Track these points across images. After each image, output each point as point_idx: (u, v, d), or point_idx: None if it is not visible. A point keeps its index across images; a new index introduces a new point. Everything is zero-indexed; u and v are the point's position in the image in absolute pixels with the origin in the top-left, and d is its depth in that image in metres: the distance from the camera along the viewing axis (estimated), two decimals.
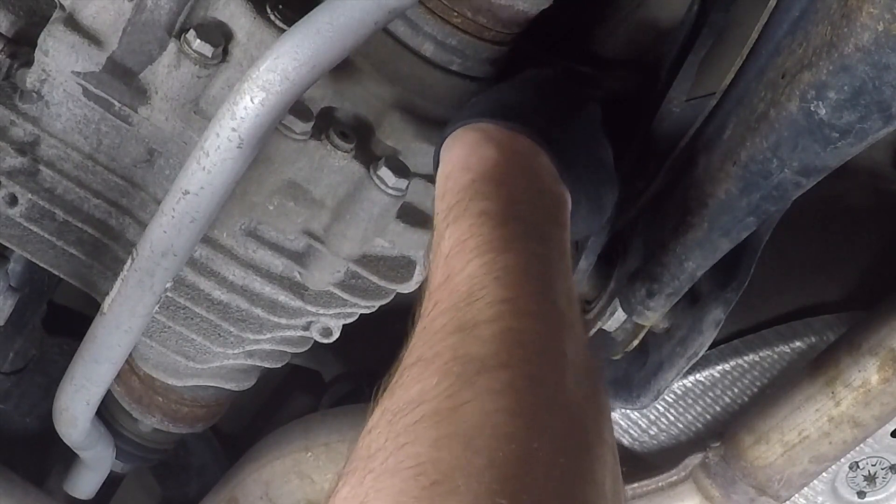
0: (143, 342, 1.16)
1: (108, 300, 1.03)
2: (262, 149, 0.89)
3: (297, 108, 0.91)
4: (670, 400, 1.21)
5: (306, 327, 1.14)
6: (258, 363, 1.21)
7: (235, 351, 1.15)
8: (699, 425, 1.22)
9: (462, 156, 0.81)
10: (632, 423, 1.23)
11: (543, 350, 0.64)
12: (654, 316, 0.96)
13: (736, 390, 1.19)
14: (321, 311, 1.10)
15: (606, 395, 0.68)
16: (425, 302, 0.70)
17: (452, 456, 0.55)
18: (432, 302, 0.68)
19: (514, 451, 0.56)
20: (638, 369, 1.02)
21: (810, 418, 1.10)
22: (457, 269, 0.69)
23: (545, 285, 0.69)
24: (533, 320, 0.65)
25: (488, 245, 0.70)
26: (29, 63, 0.98)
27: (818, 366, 1.11)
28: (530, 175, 0.80)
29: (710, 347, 0.97)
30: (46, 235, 1.09)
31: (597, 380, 0.67)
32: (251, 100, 0.85)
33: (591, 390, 0.65)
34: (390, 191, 0.97)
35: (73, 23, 0.93)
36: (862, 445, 1.15)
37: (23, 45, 0.98)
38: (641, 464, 1.23)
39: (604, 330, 1.02)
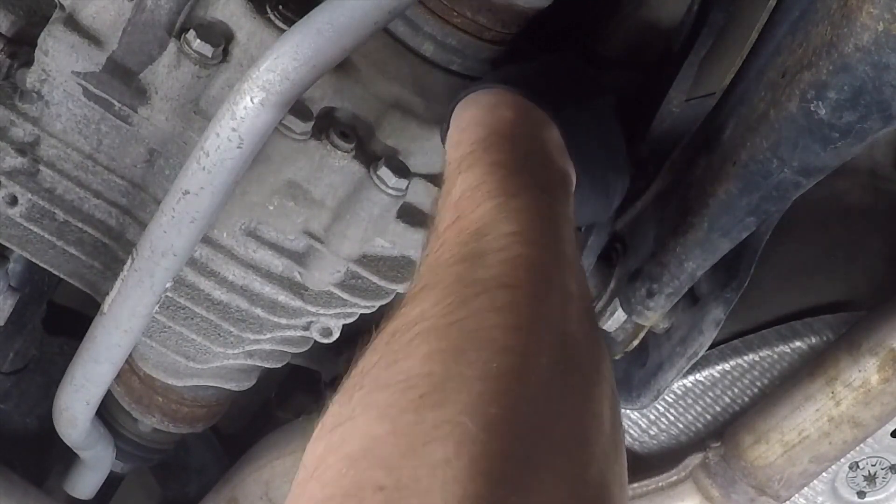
0: (143, 342, 1.16)
1: (108, 300, 1.03)
2: (262, 149, 0.89)
3: (297, 108, 0.91)
4: (670, 400, 1.21)
5: (306, 327, 1.14)
6: (258, 363, 1.21)
7: (235, 351, 1.15)
8: (699, 425, 1.22)
9: (478, 113, 0.82)
10: (632, 423, 1.23)
11: (549, 278, 0.63)
12: (654, 316, 0.96)
13: (736, 390, 1.19)
14: (321, 311, 1.10)
15: (603, 339, 0.66)
16: (431, 242, 0.69)
17: (443, 368, 0.53)
18: (440, 241, 0.68)
19: (509, 363, 0.54)
20: (638, 369, 1.02)
21: (810, 418, 1.10)
22: (467, 211, 0.69)
23: (555, 228, 0.69)
24: (541, 250, 0.65)
25: (499, 190, 0.70)
26: (29, 63, 0.98)
27: (818, 366, 1.11)
28: (541, 144, 0.81)
29: (710, 347, 0.97)
30: (46, 235, 1.09)
31: (595, 323, 0.66)
32: (251, 100, 0.85)
33: (591, 329, 0.64)
34: (390, 191, 0.97)
35: (73, 23, 0.93)
36: (862, 445, 1.15)
37: (23, 45, 0.98)
38: (641, 464, 1.23)
39: (604, 330, 1.02)
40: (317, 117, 0.95)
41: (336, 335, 1.15)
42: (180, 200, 0.91)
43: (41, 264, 1.13)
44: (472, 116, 0.83)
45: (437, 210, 0.75)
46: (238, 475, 1.43)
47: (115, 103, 0.96)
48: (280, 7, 0.92)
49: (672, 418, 1.22)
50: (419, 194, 1.01)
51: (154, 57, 0.94)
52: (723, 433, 1.18)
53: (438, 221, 0.72)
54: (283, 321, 1.11)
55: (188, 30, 0.92)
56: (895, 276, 1.15)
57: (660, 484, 1.20)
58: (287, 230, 1.03)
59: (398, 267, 1.07)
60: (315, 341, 1.16)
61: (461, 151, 0.77)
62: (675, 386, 1.18)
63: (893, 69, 0.63)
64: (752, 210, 0.81)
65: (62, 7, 0.93)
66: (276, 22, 0.91)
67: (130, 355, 1.12)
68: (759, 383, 1.18)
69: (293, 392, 1.62)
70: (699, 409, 1.21)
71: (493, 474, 0.49)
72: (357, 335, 1.19)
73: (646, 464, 1.23)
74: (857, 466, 1.20)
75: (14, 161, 1.03)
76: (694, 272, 0.89)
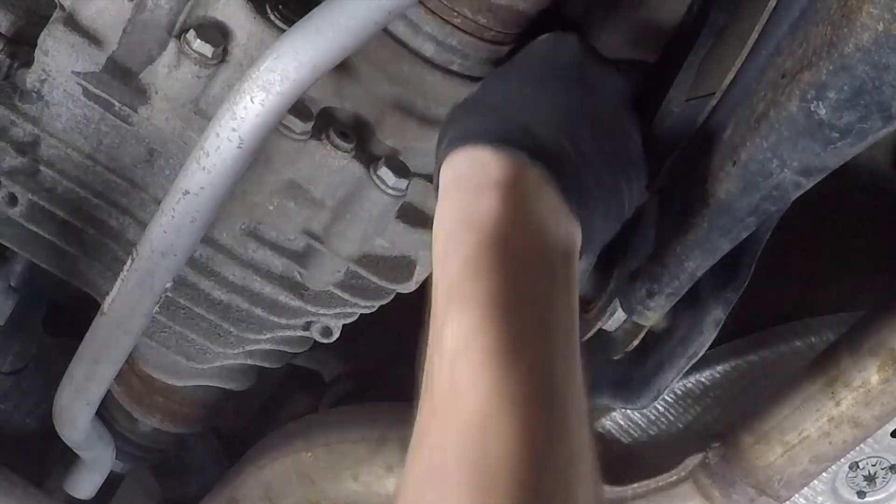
0: (143, 342, 1.16)
1: (108, 300, 1.03)
2: (262, 149, 0.89)
3: (297, 108, 0.91)
4: (670, 400, 1.21)
5: (306, 327, 1.14)
6: (258, 363, 1.21)
7: (235, 351, 1.15)
8: (699, 425, 1.22)
9: (463, 207, 0.75)
10: (632, 423, 1.23)
11: None
12: (654, 316, 0.95)
13: (736, 390, 1.19)
14: (321, 311, 1.10)
15: None
16: (426, 404, 0.66)
17: None
18: (438, 416, 0.65)
19: None
20: (638, 369, 1.02)
21: (810, 418, 1.10)
22: (464, 381, 0.65)
23: (562, 414, 0.66)
24: (549, 474, 0.63)
25: (497, 352, 0.66)
26: (29, 63, 0.98)
27: (818, 366, 1.11)
28: (536, 228, 0.74)
29: (710, 347, 0.97)
30: (46, 235, 1.09)
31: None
32: (251, 100, 0.85)
33: None
34: (390, 191, 0.97)
35: (73, 23, 0.93)
36: (862, 445, 1.15)
37: (23, 45, 0.98)
38: (641, 464, 1.23)
39: (604, 330, 1.02)
40: (317, 117, 0.95)
41: (336, 335, 1.15)
42: (180, 200, 0.91)
43: (41, 264, 1.13)
44: (456, 211, 0.75)
45: (430, 301, 0.71)
46: (238, 475, 1.42)
47: (115, 103, 0.96)
48: (280, 7, 0.92)
49: (672, 418, 1.22)
50: (419, 194, 1.01)
51: (154, 57, 0.94)
52: (723, 433, 1.18)
53: (432, 376, 0.67)
54: (283, 321, 1.11)
55: (188, 30, 0.92)
56: (895, 277, 1.15)
57: (660, 484, 1.20)
58: (287, 230, 1.03)
59: (398, 267, 1.07)
60: (315, 341, 1.16)
61: (450, 272, 0.72)
62: (675, 386, 1.18)
63: (893, 69, 0.63)
64: (752, 210, 0.81)
65: (62, 7, 0.94)
66: (276, 22, 0.91)
67: (130, 355, 1.12)
68: (759, 383, 1.18)
69: (293, 392, 1.62)
70: (699, 409, 1.21)
71: None
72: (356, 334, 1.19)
73: (646, 464, 1.23)
74: (857, 466, 1.20)
75: (14, 161, 1.03)
76: (694, 272, 0.89)
